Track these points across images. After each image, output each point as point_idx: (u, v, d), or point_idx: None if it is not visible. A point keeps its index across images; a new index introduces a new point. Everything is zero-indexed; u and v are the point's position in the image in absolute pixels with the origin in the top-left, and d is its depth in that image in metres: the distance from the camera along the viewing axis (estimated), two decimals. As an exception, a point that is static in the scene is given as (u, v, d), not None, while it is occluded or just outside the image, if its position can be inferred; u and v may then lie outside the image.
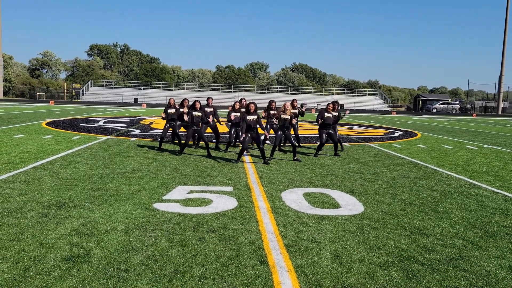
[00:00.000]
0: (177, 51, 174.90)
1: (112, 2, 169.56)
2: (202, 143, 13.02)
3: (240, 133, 10.87)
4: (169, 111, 11.58)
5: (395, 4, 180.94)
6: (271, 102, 11.35)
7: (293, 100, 11.93)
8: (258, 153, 11.55)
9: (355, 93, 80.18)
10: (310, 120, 29.80)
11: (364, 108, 62.96)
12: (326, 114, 11.44)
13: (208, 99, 12.42)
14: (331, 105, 11.62)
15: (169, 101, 11.86)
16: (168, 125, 11.73)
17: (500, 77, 63.64)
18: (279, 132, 10.50)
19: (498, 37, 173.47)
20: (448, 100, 68.86)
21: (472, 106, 70.32)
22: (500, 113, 63.53)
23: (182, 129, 12.08)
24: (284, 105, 10.43)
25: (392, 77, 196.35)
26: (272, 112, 11.34)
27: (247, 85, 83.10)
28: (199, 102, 10.76)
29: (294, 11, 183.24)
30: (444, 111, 63.02)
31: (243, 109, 10.95)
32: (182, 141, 11.31)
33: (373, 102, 70.17)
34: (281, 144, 12.88)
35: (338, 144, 12.03)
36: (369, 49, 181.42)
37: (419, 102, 69.24)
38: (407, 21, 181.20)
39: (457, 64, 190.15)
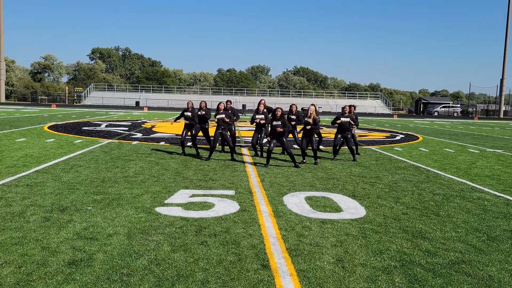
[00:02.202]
0: (178, 55, 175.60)
1: (114, 6, 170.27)
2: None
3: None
4: (186, 114, 11.35)
5: (396, 7, 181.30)
6: (291, 106, 11.81)
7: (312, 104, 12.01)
8: (259, 157, 11.56)
9: (356, 96, 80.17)
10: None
11: (365, 111, 62.94)
12: (342, 119, 11.41)
13: (227, 102, 12.12)
14: (347, 108, 11.63)
15: (187, 104, 11.62)
16: (186, 129, 11.39)
17: (501, 80, 63.59)
18: (305, 141, 10.66)
19: (500, 40, 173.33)
20: (449, 103, 68.82)
21: (474, 109, 70.26)
22: (501, 116, 63.44)
23: (200, 133, 12.02)
24: (308, 109, 10.52)
25: (394, 80, 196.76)
26: (292, 116, 11.66)
27: (248, 88, 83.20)
28: (223, 103, 10.89)
29: (295, 15, 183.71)
30: (446, 114, 62.96)
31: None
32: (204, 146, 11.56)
33: (375, 105, 70.14)
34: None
35: (354, 148, 12.15)
36: (371, 52, 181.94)
37: (421, 105, 69.21)
38: (408, 24, 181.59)
39: (458, 67, 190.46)
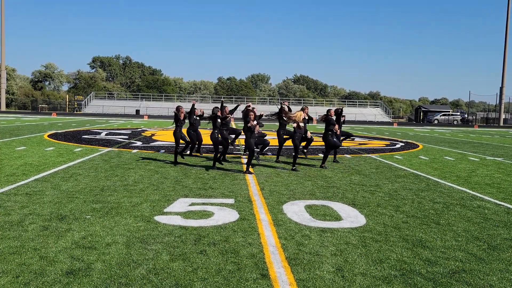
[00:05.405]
0: (179, 63, 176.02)
1: (115, 15, 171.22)
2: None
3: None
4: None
5: (396, 15, 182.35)
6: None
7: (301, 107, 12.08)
8: (264, 164, 11.55)
9: (356, 104, 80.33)
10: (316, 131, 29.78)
11: (365, 120, 62.99)
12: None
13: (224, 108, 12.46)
14: (332, 112, 11.76)
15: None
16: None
17: (501, 88, 63.73)
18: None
19: (499, 48, 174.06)
20: (449, 112, 68.94)
21: (474, 117, 70.35)
22: (501, 124, 63.50)
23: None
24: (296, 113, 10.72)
25: (393, 88, 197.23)
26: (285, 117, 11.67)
27: (248, 96, 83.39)
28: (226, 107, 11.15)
29: (295, 23, 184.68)
30: (446, 123, 63.03)
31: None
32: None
33: (375, 113, 70.25)
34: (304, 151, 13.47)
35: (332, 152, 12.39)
36: (370, 60, 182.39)
37: (421, 113, 69.31)
38: (408, 32, 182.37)
39: (458, 75, 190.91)
